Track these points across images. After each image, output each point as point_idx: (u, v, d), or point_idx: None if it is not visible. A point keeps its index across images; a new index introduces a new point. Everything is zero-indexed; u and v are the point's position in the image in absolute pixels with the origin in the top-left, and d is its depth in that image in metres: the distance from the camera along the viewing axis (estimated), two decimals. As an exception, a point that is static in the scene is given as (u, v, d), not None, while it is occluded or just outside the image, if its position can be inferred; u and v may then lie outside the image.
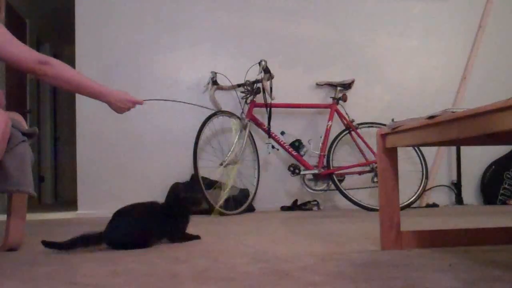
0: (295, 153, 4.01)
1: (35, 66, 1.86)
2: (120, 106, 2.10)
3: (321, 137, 4.19)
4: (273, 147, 3.97)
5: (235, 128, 3.95)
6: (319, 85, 4.43)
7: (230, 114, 4.00)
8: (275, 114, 4.03)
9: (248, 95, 4.02)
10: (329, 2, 4.64)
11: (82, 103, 4.20)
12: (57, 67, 1.92)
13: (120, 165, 4.21)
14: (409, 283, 1.20)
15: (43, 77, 1.91)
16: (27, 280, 1.35)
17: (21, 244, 2.01)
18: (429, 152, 4.44)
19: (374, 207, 3.90)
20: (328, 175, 4.02)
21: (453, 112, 1.38)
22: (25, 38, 5.71)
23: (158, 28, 4.35)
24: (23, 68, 1.87)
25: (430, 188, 4.51)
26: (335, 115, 4.23)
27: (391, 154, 1.78)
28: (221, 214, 3.70)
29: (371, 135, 4.18)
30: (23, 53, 1.87)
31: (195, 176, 3.73)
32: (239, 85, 4.09)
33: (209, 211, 3.72)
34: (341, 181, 4.04)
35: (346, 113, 4.23)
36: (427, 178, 4.16)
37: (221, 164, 3.84)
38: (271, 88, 3.88)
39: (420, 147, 4.10)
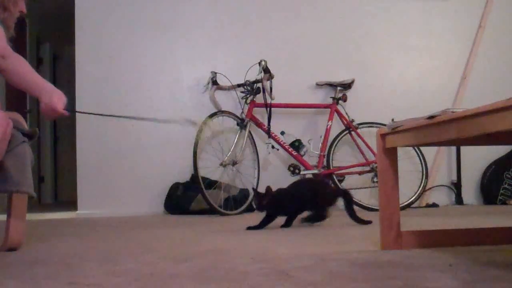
0: (295, 153, 4.01)
1: None
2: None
3: (321, 137, 4.19)
4: (273, 147, 3.96)
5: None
6: (319, 85, 4.43)
7: (230, 114, 4.00)
8: (275, 114, 4.03)
9: (248, 95, 4.01)
10: (329, 2, 4.63)
11: (82, 103, 4.20)
12: (11, 61, 1.88)
13: (120, 165, 4.20)
14: (409, 283, 1.20)
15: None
16: (27, 280, 1.35)
17: (21, 244, 2.01)
18: (429, 152, 4.44)
19: (374, 207, 3.89)
20: (328, 175, 4.02)
21: (453, 112, 1.38)
22: (25, 38, 5.71)
23: (158, 28, 4.35)
24: None
25: (430, 188, 4.51)
26: (335, 115, 4.23)
27: (391, 154, 1.78)
28: (221, 214, 3.70)
29: (371, 135, 4.18)
30: None
31: (195, 176, 3.73)
32: (239, 85, 4.09)
33: (209, 211, 3.72)
34: (341, 181, 4.04)
35: (346, 113, 4.23)
36: (427, 178, 4.15)
37: (221, 164, 3.84)
38: (271, 88, 3.88)
39: (420, 147, 4.10)
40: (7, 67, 1.88)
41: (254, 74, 3.99)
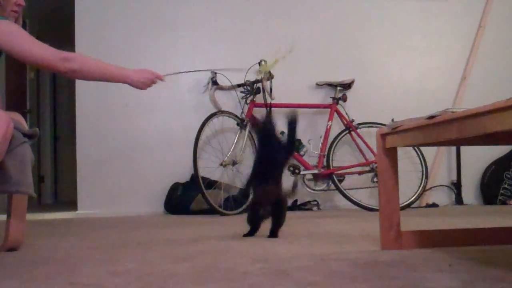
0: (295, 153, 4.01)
1: (60, 64, 1.91)
2: (142, 82, 2.34)
3: (321, 137, 4.19)
4: (273, 147, 3.96)
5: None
6: (319, 85, 4.43)
7: (230, 114, 4.00)
8: (275, 114, 4.03)
9: (248, 95, 4.02)
10: (329, 2, 4.63)
11: (82, 103, 4.21)
12: (80, 61, 1.97)
13: (120, 165, 4.20)
14: (409, 283, 1.20)
15: (70, 74, 1.95)
16: (27, 280, 1.35)
17: (21, 244, 2.01)
18: (429, 152, 4.44)
19: (374, 207, 3.89)
20: (328, 175, 4.02)
21: (453, 112, 1.38)
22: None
23: (158, 28, 4.35)
24: (48, 67, 1.93)
25: (430, 188, 4.51)
26: (335, 115, 4.23)
27: (391, 154, 1.78)
28: (221, 214, 3.70)
29: (371, 135, 4.18)
30: (47, 52, 1.91)
31: (195, 176, 3.73)
32: (239, 85, 4.09)
33: (209, 211, 3.72)
34: (341, 181, 4.04)
35: (346, 113, 4.23)
36: (427, 178, 4.16)
37: (221, 164, 3.84)
38: (271, 88, 3.88)
39: (420, 147, 4.10)
40: (77, 68, 1.95)
41: (254, 74, 3.99)
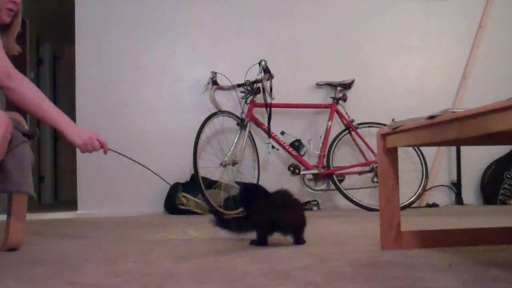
0: (295, 153, 4.01)
1: (1, 77, 1.80)
2: (83, 141, 2.02)
3: (321, 137, 4.19)
4: (273, 147, 3.96)
5: None
6: (319, 85, 4.43)
7: (230, 114, 4.00)
8: (275, 114, 4.03)
9: (248, 95, 4.01)
10: (329, 2, 4.63)
11: (82, 103, 4.21)
12: (19, 83, 1.84)
13: (120, 165, 4.20)
14: (409, 283, 1.20)
15: (5, 91, 1.83)
16: (27, 280, 1.35)
17: (21, 244, 2.01)
18: (429, 152, 4.44)
19: (374, 207, 3.89)
20: (328, 175, 4.02)
21: (453, 112, 1.38)
22: (25, 38, 5.71)
23: (158, 28, 4.35)
24: None
25: (430, 188, 4.51)
26: (335, 115, 4.23)
27: (391, 154, 1.78)
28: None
29: (371, 135, 4.18)
30: (1, 63, 1.79)
31: (195, 176, 3.73)
32: (239, 85, 4.09)
33: (209, 211, 3.72)
34: (341, 181, 4.04)
35: (346, 113, 4.23)
36: (427, 178, 4.15)
37: (221, 164, 3.84)
38: (271, 88, 3.88)
39: (420, 147, 4.10)
40: (13, 87, 1.82)
41: (254, 74, 3.99)
